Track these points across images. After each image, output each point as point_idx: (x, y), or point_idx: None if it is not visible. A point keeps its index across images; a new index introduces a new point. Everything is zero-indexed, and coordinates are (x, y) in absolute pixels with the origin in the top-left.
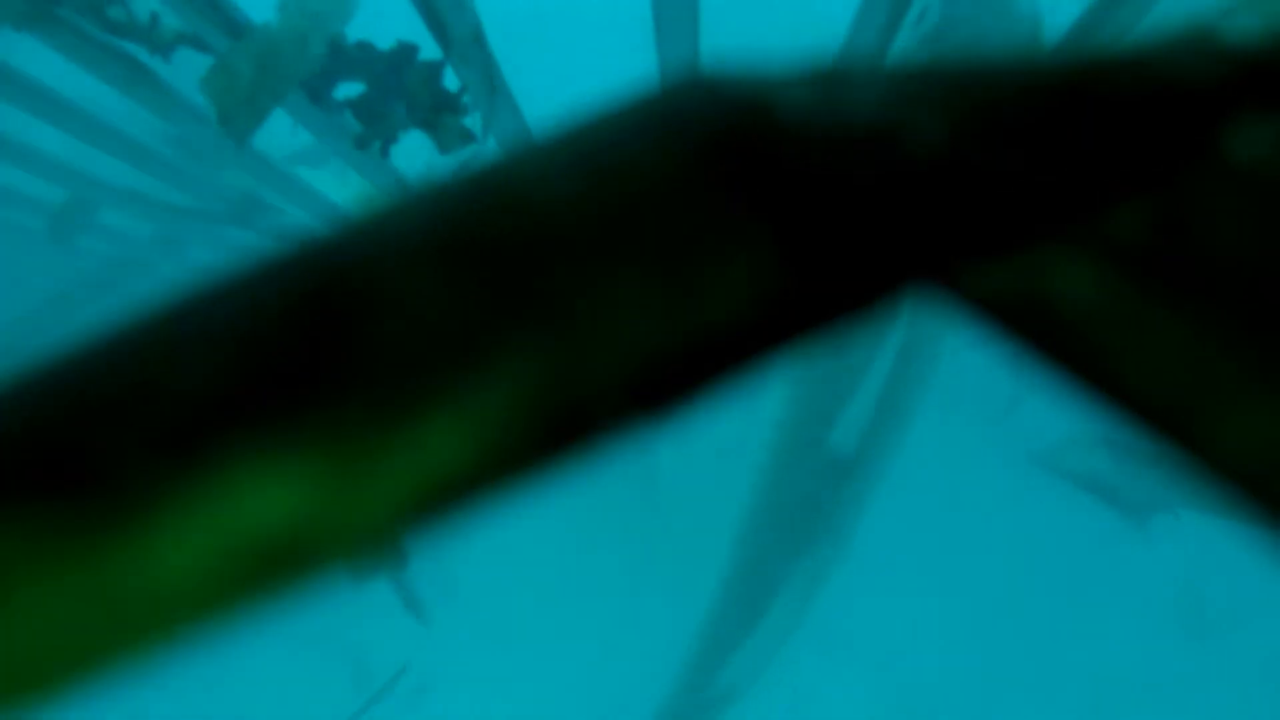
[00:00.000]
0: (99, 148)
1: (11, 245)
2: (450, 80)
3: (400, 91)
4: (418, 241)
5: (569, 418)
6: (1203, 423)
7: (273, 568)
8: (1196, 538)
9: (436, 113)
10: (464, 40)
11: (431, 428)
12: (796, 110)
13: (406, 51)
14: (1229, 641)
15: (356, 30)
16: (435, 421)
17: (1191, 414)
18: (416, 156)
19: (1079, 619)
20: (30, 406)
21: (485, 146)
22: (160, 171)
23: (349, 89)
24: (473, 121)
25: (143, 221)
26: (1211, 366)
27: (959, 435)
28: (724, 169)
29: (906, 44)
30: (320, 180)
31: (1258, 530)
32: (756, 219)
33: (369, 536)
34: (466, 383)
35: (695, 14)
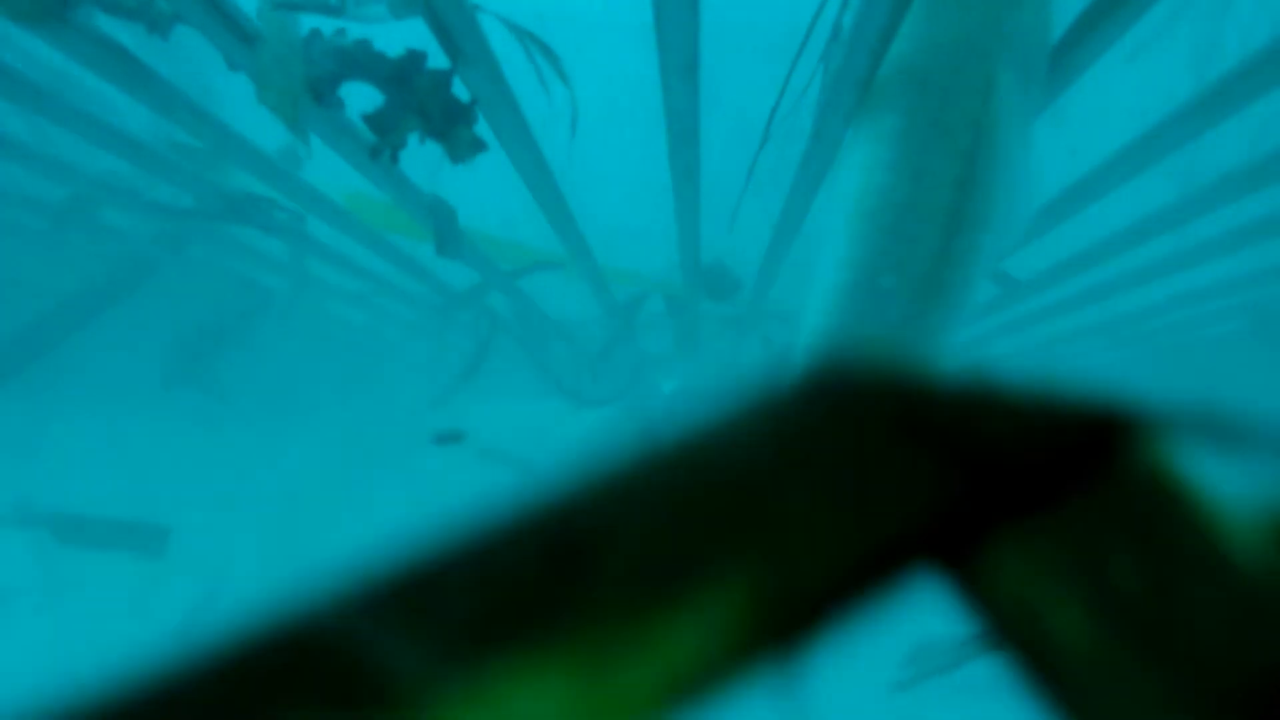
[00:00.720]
0: (99, 146)
1: (12, 244)
2: (459, 89)
3: (410, 101)
4: (640, 485)
5: (782, 619)
6: None
7: None
8: None
9: (449, 124)
10: (473, 47)
11: (668, 635)
12: (942, 384)
13: (414, 59)
14: None
15: (355, 30)
16: (671, 629)
17: None
18: (416, 153)
19: None
20: (317, 617)
21: None
22: (160, 170)
23: (353, 89)
24: (483, 129)
25: (143, 220)
26: None
27: None
28: (893, 430)
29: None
30: (319, 177)
31: None
32: (926, 462)
33: None
34: (695, 594)
35: (696, 15)
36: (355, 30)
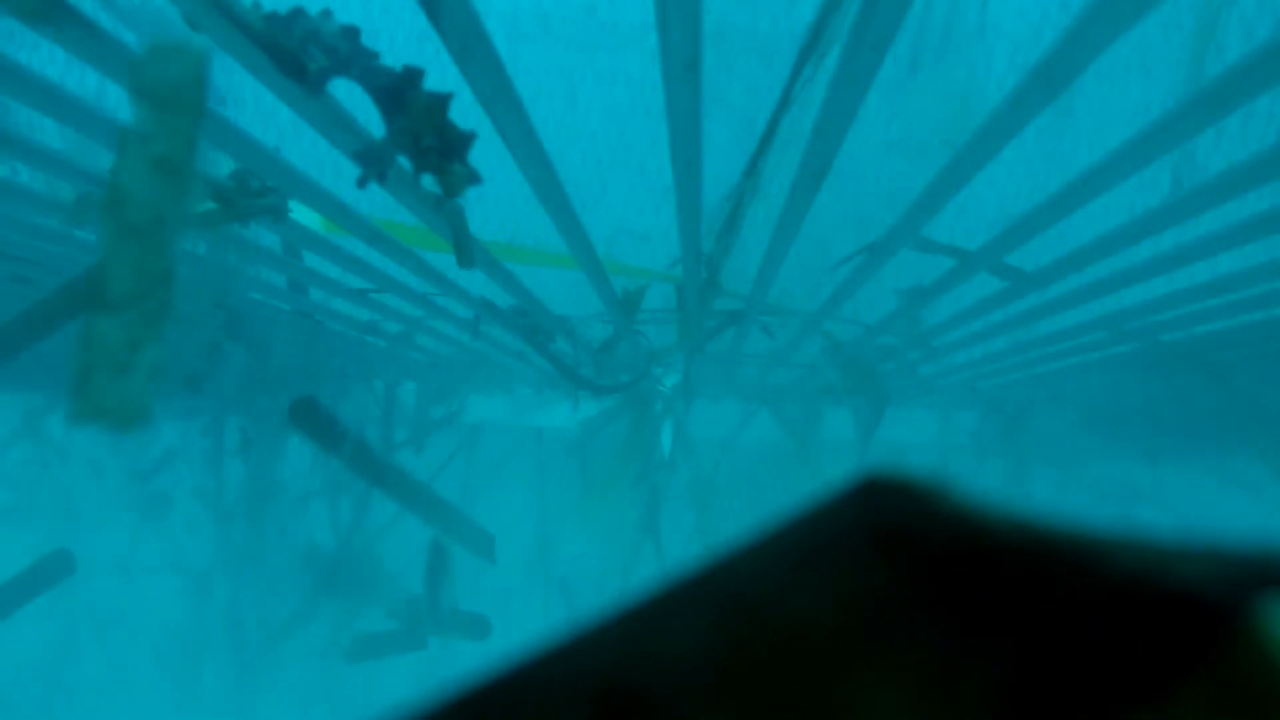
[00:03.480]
0: (102, 143)
1: (21, 242)
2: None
3: (404, 127)
4: (691, 660)
5: None
6: None
7: None
8: None
9: (445, 158)
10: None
11: None
12: (1001, 527)
13: (411, 75)
14: None
15: (342, 14)
16: None
17: None
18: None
19: None
20: None
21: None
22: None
23: (341, 86)
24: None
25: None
26: None
27: None
28: (947, 583)
29: None
30: (316, 169)
31: None
32: (988, 640)
33: None
34: None
35: (698, 14)
36: (342, 15)
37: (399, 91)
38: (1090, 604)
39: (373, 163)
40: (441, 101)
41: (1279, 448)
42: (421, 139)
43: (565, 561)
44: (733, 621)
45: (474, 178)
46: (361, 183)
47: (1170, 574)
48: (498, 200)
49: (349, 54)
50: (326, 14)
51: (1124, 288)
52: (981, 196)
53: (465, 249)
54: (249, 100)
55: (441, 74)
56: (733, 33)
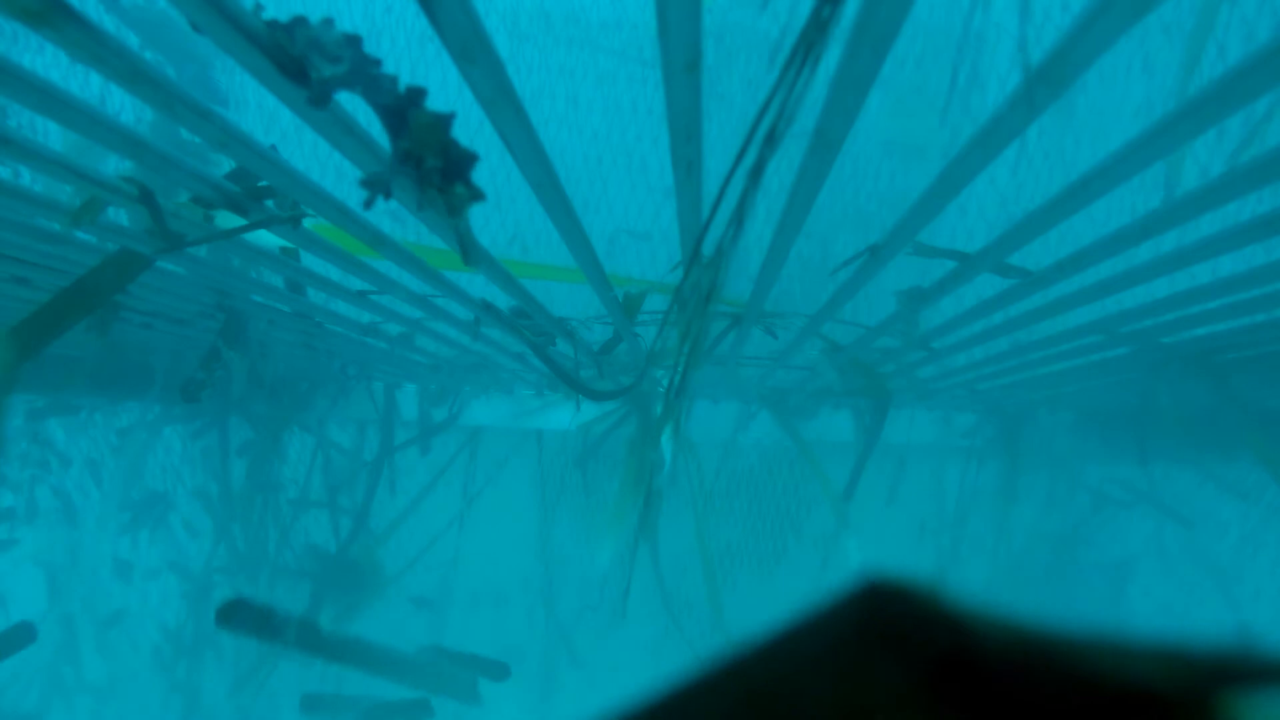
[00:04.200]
0: (104, 144)
1: (23, 244)
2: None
3: (407, 149)
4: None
5: None
6: None
7: None
8: None
9: (448, 179)
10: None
11: None
12: (990, 630)
13: (413, 95)
14: None
15: (345, 22)
16: None
17: None
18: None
19: None
20: None
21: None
22: (160, 166)
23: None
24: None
25: (145, 217)
26: None
27: None
28: (943, 681)
29: None
30: (315, 170)
31: None
32: None
33: None
34: None
35: (698, 13)
36: (344, 16)
37: (402, 110)
38: (1068, 700)
39: (379, 187)
40: (444, 121)
41: (1276, 451)
42: (424, 160)
43: (564, 562)
44: (753, 714)
45: (477, 196)
46: (368, 205)
47: (1139, 673)
48: (498, 201)
49: (353, 64)
50: (328, 22)
51: (1124, 289)
52: (982, 196)
53: (470, 249)
54: (250, 102)
55: (442, 75)
56: (733, 32)
